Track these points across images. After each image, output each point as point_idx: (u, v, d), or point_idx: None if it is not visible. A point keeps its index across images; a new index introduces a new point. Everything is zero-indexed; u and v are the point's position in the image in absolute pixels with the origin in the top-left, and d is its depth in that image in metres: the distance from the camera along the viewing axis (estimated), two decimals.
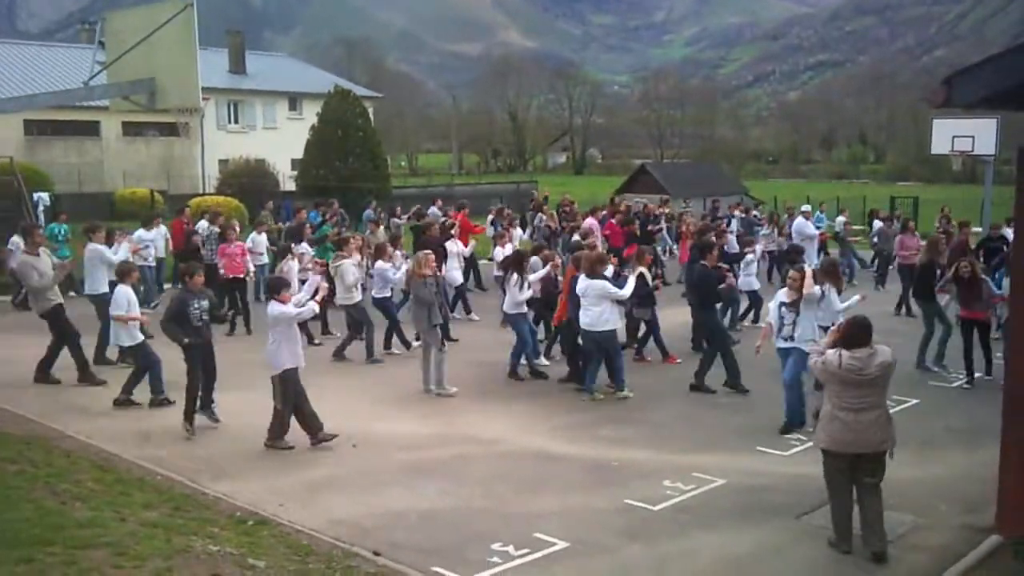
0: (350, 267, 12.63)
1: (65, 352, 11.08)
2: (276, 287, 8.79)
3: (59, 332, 11.06)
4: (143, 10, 11.46)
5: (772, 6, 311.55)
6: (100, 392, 10.55)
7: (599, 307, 10.20)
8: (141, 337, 10.19)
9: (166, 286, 17.07)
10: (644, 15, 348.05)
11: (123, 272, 10.43)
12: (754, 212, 25.10)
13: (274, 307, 8.52)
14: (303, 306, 8.79)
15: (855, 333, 6.16)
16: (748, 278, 14.49)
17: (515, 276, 11.83)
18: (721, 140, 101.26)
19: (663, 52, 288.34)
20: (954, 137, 25.49)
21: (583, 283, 10.30)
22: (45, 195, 22.61)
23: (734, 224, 21.35)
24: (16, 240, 14.05)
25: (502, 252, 14.73)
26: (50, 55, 42.39)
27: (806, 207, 20.60)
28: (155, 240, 16.33)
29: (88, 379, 11.03)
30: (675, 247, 22.04)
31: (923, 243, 14.38)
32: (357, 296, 12.69)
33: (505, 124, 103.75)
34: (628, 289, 10.51)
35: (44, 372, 11.01)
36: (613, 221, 19.91)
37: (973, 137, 25.27)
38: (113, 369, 11.39)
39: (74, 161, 36.45)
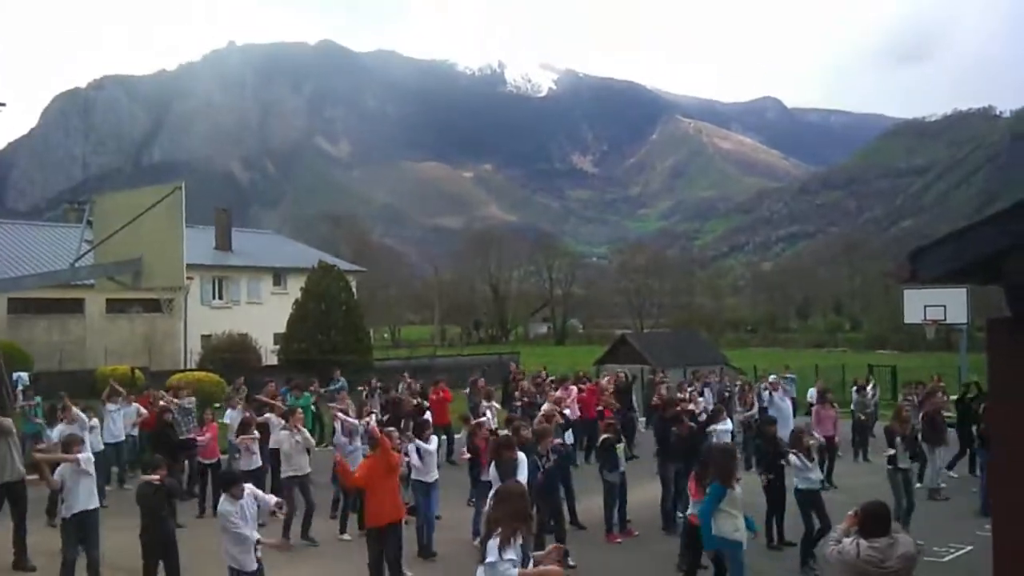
0: (284, 436, 12.53)
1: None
2: (226, 482, 8.48)
3: None
4: (133, 193, 11.86)
5: (742, 181, 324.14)
6: None
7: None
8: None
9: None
10: (620, 189, 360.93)
11: (66, 445, 10.00)
12: (729, 381, 25.22)
13: (223, 504, 8.20)
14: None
15: (873, 520, 5.64)
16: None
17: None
18: (699, 309, 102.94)
19: (639, 225, 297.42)
20: (926, 307, 26.13)
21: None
22: (24, 375, 22.53)
23: (707, 393, 21.37)
24: None
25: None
26: (37, 234, 43.16)
27: (773, 377, 20.84)
28: (119, 415, 15.94)
29: (21, 564, 10.75)
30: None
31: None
32: (291, 471, 12.45)
33: (487, 295, 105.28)
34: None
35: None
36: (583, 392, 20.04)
37: (944, 306, 25.90)
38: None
39: (56, 339, 36.48)
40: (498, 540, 5.75)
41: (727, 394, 21.67)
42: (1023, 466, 5.92)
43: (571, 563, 10.52)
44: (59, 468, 9.78)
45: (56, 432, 12.66)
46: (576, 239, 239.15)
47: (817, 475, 11.23)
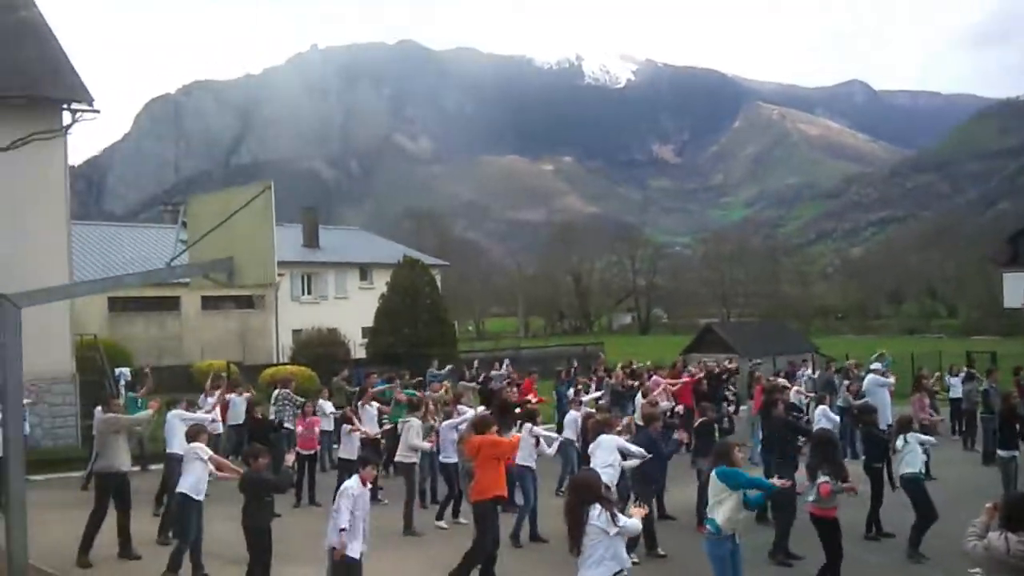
0: (416, 426, 12.80)
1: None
2: (362, 463, 8.77)
3: (97, 500, 11.13)
4: (224, 194, 12.18)
5: (828, 166, 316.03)
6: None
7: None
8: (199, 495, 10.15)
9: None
10: (702, 178, 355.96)
11: (191, 435, 10.47)
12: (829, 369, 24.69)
13: (352, 484, 8.40)
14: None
15: (1019, 513, 5.37)
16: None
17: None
18: (786, 298, 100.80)
19: (722, 213, 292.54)
20: None
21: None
22: (126, 370, 23.39)
23: (803, 382, 21.01)
24: (98, 410, 14.47)
25: (576, 415, 14.67)
26: (134, 235, 44.74)
27: (875, 364, 20.31)
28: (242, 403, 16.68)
29: (127, 552, 11.12)
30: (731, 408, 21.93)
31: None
32: (415, 458, 12.77)
33: (569, 287, 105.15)
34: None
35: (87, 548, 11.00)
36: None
37: None
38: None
39: (155, 335, 37.78)
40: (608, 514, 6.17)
41: (828, 383, 21.19)
42: None
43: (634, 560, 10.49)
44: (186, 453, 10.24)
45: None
46: (658, 229, 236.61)
47: (920, 457, 10.85)
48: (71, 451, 16.57)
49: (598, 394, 18.98)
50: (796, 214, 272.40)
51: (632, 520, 6.36)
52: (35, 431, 15.89)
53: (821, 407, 14.65)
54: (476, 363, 24.98)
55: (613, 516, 6.13)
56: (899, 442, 10.92)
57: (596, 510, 6.14)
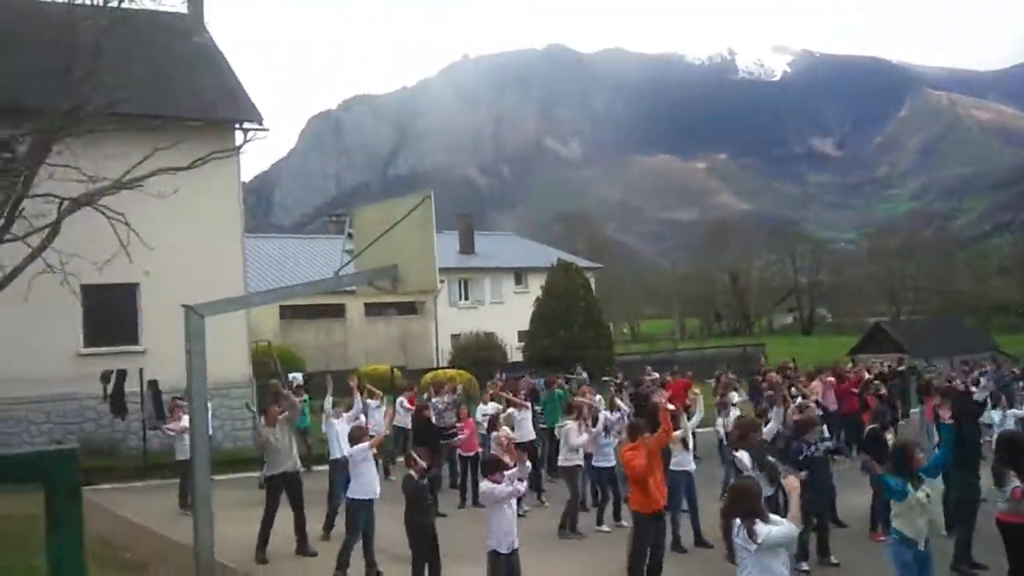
0: (574, 428, 12.80)
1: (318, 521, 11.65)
2: (488, 467, 8.83)
3: (267, 500, 11.69)
4: (386, 204, 12.59)
5: (1003, 153, 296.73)
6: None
7: None
8: (373, 494, 10.52)
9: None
10: (864, 171, 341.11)
11: (355, 437, 10.87)
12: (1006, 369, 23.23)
13: (485, 485, 8.63)
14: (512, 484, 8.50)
15: None
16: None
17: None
18: (961, 293, 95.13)
19: (888, 207, 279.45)
20: None
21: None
22: (299, 375, 24.49)
23: (985, 381, 19.70)
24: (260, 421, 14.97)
25: (723, 421, 14.35)
26: (302, 246, 46.89)
27: None
28: (378, 412, 16.68)
29: (303, 549, 11.59)
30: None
31: None
32: (577, 459, 12.75)
33: (725, 286, 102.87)
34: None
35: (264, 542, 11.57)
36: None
37: None
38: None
39: (322, 342, 39.45)
40: (742, 532, 5.89)
41: (1008, 383, 19.94)
42: None
43: (833, 560, 10.09)
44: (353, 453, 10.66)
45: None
46: (819, 225, 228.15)
47: None
48: (249, 452, 17.47)
49: (740, 397, 17.93)
50: (969, 205, 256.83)
51: (776, 529, 5.89)
52: (217, 433, 16.83)
53: (1008, 409, 13.77)
54: (617, 371, 24.40)
55: (750, 532, 5.84)
56: None
57: (735, 525, 5.98)
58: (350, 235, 12.76)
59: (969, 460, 10.56)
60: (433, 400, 17.06)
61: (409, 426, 17.44)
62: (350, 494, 10.65)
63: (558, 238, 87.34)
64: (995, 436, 11.34)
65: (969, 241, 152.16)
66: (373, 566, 10.41)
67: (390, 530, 10.36)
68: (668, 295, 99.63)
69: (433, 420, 15.99)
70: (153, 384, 16.81)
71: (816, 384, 18.49)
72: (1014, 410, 13.62)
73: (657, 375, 22.97)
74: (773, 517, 6.02)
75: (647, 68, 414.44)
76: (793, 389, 16.58)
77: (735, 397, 17.20)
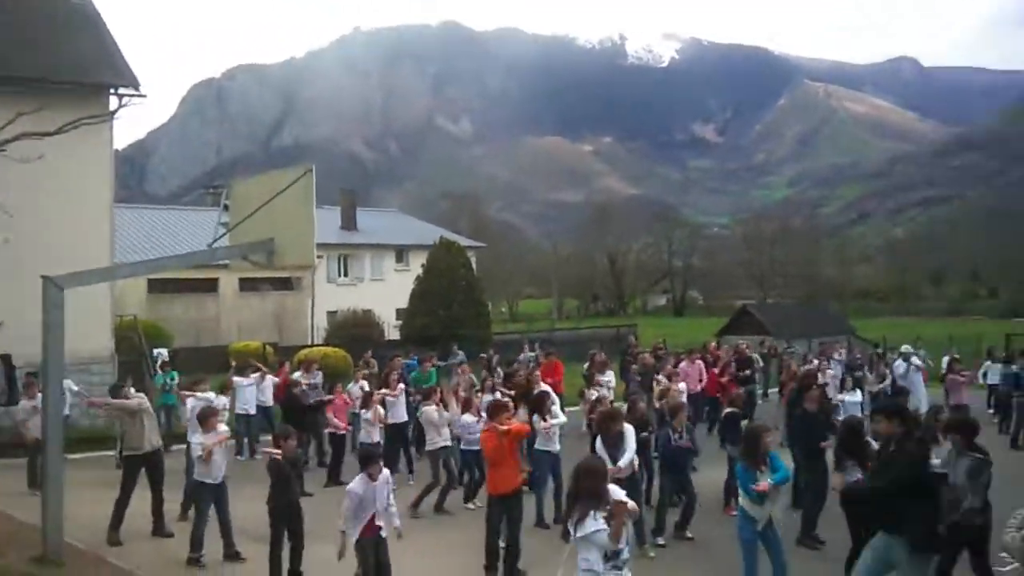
0: (432, 412, 12.97)
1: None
2: (364, 459, 8.54)
3: (124, 480, 11.39)
4: (265, 177, 12.37)
5: (875, 145, 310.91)
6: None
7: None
8: (215, 479, 10.36)
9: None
10: (743, 159, 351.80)
11: (203, 417, 10.58)
12: (856, 354, 24.55)
13: (356, 484, 8.34)
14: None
15: None
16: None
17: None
18: (826, 280, 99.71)
19: (764, 194, 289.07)
20: None
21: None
22: (164, 350, 23.87)
23: (834, 366, 20.80)
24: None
25: (587, 399, 14.73)
26: (175, 218, 45.47)
27: (905, 347, 20.24)
28: (249, 389, 16.76)
29: (159, 530, 11.45)
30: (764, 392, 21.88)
31: None
32: (442, 441, 12.92)
33: (604, 269, 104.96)
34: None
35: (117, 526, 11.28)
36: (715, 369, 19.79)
37: None
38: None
39: (193, 316, 38.44)
40: (575, 518, 5.80)
41: (857, 366, 21.12)
42: None
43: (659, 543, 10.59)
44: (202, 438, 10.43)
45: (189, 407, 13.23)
46: (697, 210, 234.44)
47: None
48: (110, 430, 16.99)
49: (608, 377, 17.99)
50: (839, 194, 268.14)
51: (600, 535, 5.70)
52: (73, 410, 16.31)
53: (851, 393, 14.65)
54: (492, 351, 24.47)
55: (579, 521, 5.73)
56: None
57: (574, 515, 5.83)
58: (226, 207, 12.54)
59: (815, 446, 11.14)
60: (296, 375, 17.00)
61: (270, 403, 17.33)
62: (196, 476, 10.57)
63: (443, 217, 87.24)
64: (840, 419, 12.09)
65: (837, 229, 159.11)
66: (231, 547, 10.33)
67: (251, 510, 10.30)
68: (548, 276, 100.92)
69: (300, 398, 15.92)
70: (5, 358, 16.12)
71: (684, 365, 19.20)
72: (848, 395, 14.45)
73: (532, 353, 23.40)
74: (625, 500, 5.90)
75: (540, 49, 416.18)
76: (660, 375, 17.13)
77: (607, 377, 17.60)
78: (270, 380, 17.51)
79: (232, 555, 10.33)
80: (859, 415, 14.11)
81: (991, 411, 20.60)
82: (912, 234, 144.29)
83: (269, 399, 17.35)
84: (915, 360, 19.82)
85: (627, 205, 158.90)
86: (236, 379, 16.56)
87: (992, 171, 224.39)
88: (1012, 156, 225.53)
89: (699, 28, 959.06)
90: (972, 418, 8.94)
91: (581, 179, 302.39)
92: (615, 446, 10.01)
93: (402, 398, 15.36)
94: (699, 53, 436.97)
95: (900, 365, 19.94)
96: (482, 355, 23.02)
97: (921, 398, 18.32)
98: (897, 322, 65.44)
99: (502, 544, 9.59)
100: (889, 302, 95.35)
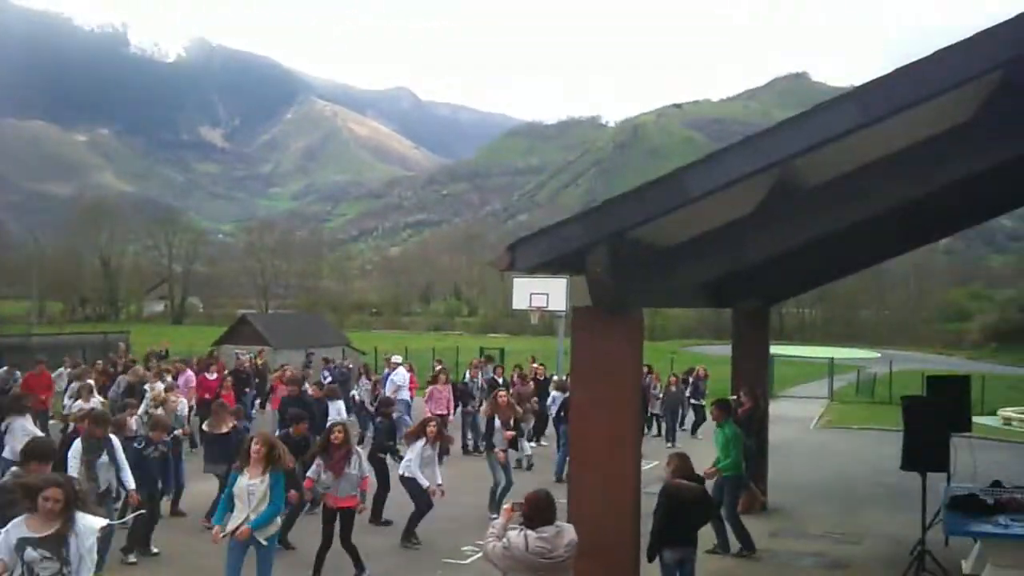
0: None
1: None
2: None
3: None
4: None
5: (375, 167, 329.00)
6: None
7: None
8: None
9: None
10: (250, 167, 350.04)
11: None
12: (347, 363, 25.57)
13: None
14: None
15: (542, 509, 5.50)
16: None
17: None
18: (326, 291, 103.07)
19: (270, 204, 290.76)
20: (531, 294, 28.14)
21: None
22: None
23: (326, 376, 21.48)
24: None
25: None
26: None
27: (396, 358, 21.51)
28: None
29: None
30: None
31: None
32: None
33: (96, 270, 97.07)
34: None
35: None
36: (206, 375, 19.18)
37: (547, 295, 28.07)
38: None
39: None
40: None
41: (345, 376, 21.92)
42: (592, 434, 6.61)
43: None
44: None
45: None
46: (201, 215, 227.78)
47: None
48: None
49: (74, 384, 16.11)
50: (342, 211, 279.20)
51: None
52: None
53: (338, 401, 15.11)
54: None
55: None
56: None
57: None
58: None
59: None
60: None
61: None
62: None
63: None
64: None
65: (339, 244, 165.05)
66: None
67: None
68: (28, 274, 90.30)
69: None
70: None
71: (181, 379, 18.27)
72: (339, 404, 14.98)
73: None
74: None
75: (28, 23, 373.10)
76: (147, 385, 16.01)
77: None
78: None
79: None
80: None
81: None
82: (405, 253, 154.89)
83: None
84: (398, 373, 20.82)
85: (124, 203, 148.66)
86: None
87: (474, 201, 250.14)
88: (490, 188, 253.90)
89: (209, 29, 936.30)
90: None
91: (72, 171, 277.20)
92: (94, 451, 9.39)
93: None
94: (208, 54, 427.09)
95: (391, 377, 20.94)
96: None
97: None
98: (388, 334, 69.78)
99: None
100: (383, 316, 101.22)
